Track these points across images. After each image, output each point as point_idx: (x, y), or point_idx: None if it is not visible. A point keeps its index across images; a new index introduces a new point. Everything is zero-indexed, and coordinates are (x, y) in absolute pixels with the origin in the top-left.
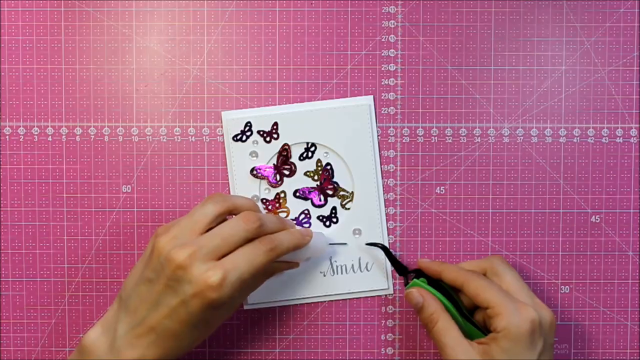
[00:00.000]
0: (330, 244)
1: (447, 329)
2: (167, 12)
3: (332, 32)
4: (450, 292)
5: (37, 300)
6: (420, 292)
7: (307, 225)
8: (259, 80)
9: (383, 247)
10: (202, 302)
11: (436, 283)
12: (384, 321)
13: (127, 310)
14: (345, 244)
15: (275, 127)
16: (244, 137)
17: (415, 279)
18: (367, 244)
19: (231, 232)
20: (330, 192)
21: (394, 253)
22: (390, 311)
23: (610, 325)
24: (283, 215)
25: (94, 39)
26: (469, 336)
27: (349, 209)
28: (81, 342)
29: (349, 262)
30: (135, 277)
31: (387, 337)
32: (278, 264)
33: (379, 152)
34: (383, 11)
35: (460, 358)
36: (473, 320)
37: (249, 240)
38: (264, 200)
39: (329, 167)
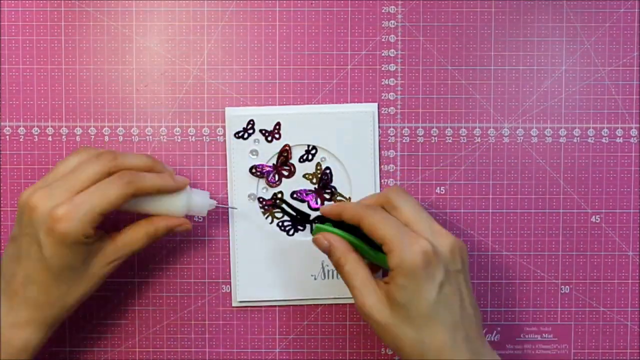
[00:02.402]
0: (218, 206)
1: (355, 271)
2: (167, 12)
3: (332, 32)
4: (356, 228)
5: None
6: (325, 237)
7: (302, 227)
8: (259, 80)
9: (280, 201)
10: (53, 239)
11: (342, 223)
12: None
13: (1, 274)
14: (235, 208)
15: (277, 127)
16: (246, 135)
17: (318, 224)
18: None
19: (85, 169)
20: (327, 196)
21: (290, 203)
22: None
23: (610, 325)
24: (279, 215)
25: (94, 39)
26: (385, 267)
27: None
28: None
29: None
30: (8, 242)
31: None
32: (157, 223)
33: (379, 153)
34: (383, 11)
35: (366, 301)
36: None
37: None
38: (261, 199)
39: (328, 171)
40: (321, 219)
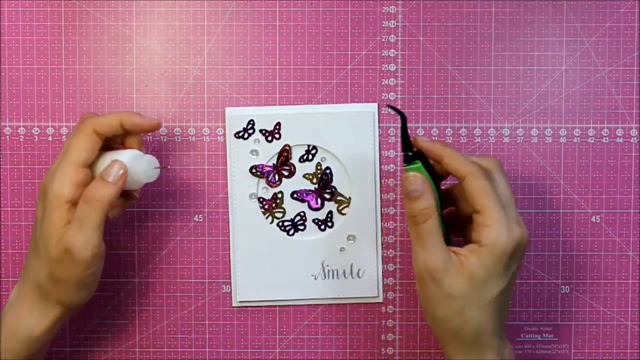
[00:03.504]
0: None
1: (435, 231)
2: (167, 12)
3: (332, 32)
4: (438, 186)
5: None
6: (423, 179)
7: (302, 227)
8: (259, 80)
9: (402, 116)
10: (38, 203)
11: (431, 171)
12: (384, 321)
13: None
14: (167, 167)
15: (277, 127)
16: (246, 135)
17: (415, 162)
18: (389, 106)
19: (74, 144)
20: (327, 196)
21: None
22: (390, 311)
23: (610, 325)
24: (279, 215)
25: (94, 39)
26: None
27: (345, 214)
28: None
29: (341, 268)
30: None
31: (387, 337)
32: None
33: (380, 153)
34: (383, 11)
35: (435, 265)
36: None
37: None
38: (261, 199)
39: (328, 171)
40: (415, 154)
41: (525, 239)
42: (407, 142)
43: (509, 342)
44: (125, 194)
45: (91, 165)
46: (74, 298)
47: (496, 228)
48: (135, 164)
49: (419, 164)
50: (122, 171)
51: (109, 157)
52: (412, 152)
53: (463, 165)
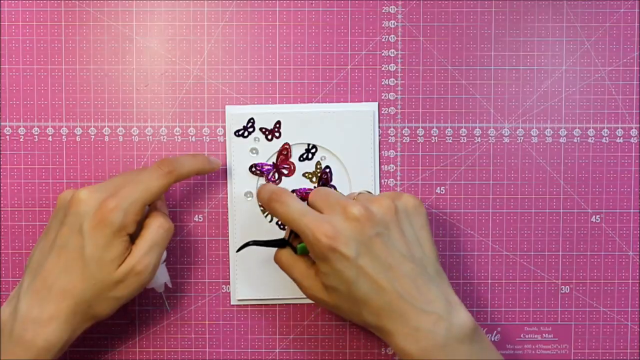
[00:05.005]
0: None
1: (292, 265)
2: (167, 12)
3: (332, 32)
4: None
5: None
6: (276, 256)
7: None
8: (259, 80)
9: (253, 243)
10: (98, 229)
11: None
12: None
13: (30, 269)
14: (168, 310)
15: (277, 125)
16: (246, 133)
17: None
18: (238, 250)
19: (140, 179)
20: None
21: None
22: None
23: (610, 325)
24: None
25: (94, 39)
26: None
27: None
28: None
29: None
30: (39, 240)
31: None
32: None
33: (379, 153)
34: (383, 11)
35: (309, 291)
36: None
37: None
38: None
39: (328, 170)
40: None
41: (352, 211)
42: (279, 243)
43: (457, 306)
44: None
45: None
46: (111, 313)
47: (303, 237)
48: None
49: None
50: (215, 164)
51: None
52: (288, 241)
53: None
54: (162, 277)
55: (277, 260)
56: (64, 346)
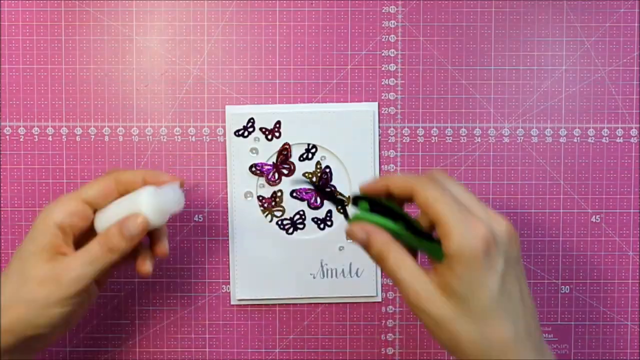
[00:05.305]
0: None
1: (401, 263)
2: (167, 12)
3: (332, 32)
4: (398, 211)
5: None
6: (363, 228)
7: (301, 226)
8: (259, 80)
9: (311, 183)
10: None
11: (380, 206)
12: (384, 321)
13: None
14: (196, 188)
15: (277, 125)
16: (246, 133)
17: (358, 213)
18: (294, 182)
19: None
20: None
21: (325, 187)
22: (390, 311)
23: (610, 325)
24: (278, 214)
25: (94, 39)
26: (432, 255)
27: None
28: None
29: (340, 267)
30: None
31: (387, 337)
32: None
33: (379, 153)
34: (383, 11)
35: (421, 293)
36: (431, 235)
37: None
38: (260, 198)
39: (328, 170)
40: (355, 201)
41: (502, 230)
42: (335, 200)
43: (549, 351)
44: (154, 237)
45: (96, 210)
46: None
47: (456, 234)
48: (156, 200)
49: (356, 215)
50: (141, 226)
51: (125, 202)
52: (343, 205)
53: (407, 182)
54: (166, 209)
55: (379, 254)
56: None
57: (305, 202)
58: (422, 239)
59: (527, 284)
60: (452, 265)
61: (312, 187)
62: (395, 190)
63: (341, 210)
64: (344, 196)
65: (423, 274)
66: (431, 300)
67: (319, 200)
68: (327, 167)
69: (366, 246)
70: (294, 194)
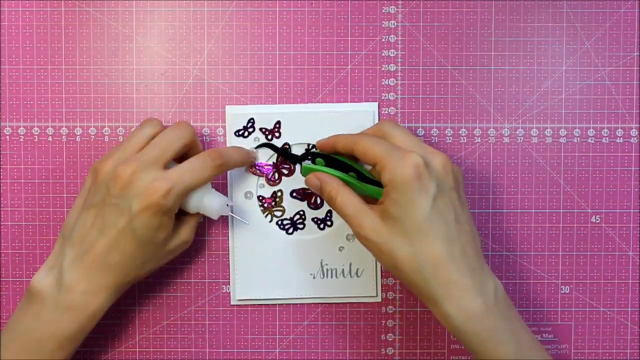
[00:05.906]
0: (231, 214)
1: (346, 201)
2: (168, 12)
3: (332, 32)
4: (350, 164)
5: None
6: (316, 176)
7: (301, 226)
8: (259, 80)
9: (272, 147)
10: (150, 212)
11: (333, 161)
12: (384, 321)
13: (72, 243)
14: (247, 223)
15: (277, 125)
16: (246, 133)
17: (306, 164)
18: (258, 146)
19: (169, 140)
20: None
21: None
22: (390, 311)
23: (610, 325)
24: (278, 214)
25: (94, 39)
26: (379, 197)
27: None
28: (27, 289)
29: (340, 267)
30: (77, 210)
31: (387, 337)
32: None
33: None
34: (383, 11)
35: (363, 223)
36: (376, 180)
37: (188, 147)
38: (260, 197)
39: None
40: (312, 159)
41: (437, 160)
42: (293, 158)
43: (492, 276)
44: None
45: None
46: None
47: (388, 165)
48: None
49: (307, 166)
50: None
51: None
52: (304, 159)
53: (349, 140)
54: (216, 202)
55: (329, 195)
56: (106, 309)
57: (306, 202)
58: (369, 185)
59: (469, 213)
60: (389, 192)
61: (271, 149)
62: (340, 148)
63: (299, 163)
64: (298, 156)
65: (367, 209)
66: (373, 228)
67: (318, 200)
68: None
69: (320, 190)
70: (294, 194)
